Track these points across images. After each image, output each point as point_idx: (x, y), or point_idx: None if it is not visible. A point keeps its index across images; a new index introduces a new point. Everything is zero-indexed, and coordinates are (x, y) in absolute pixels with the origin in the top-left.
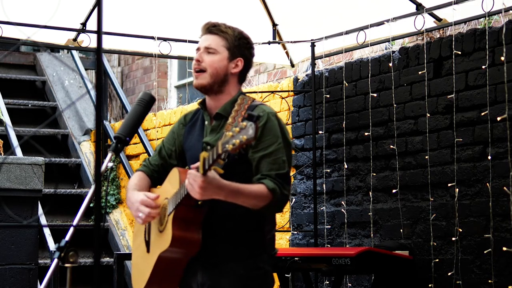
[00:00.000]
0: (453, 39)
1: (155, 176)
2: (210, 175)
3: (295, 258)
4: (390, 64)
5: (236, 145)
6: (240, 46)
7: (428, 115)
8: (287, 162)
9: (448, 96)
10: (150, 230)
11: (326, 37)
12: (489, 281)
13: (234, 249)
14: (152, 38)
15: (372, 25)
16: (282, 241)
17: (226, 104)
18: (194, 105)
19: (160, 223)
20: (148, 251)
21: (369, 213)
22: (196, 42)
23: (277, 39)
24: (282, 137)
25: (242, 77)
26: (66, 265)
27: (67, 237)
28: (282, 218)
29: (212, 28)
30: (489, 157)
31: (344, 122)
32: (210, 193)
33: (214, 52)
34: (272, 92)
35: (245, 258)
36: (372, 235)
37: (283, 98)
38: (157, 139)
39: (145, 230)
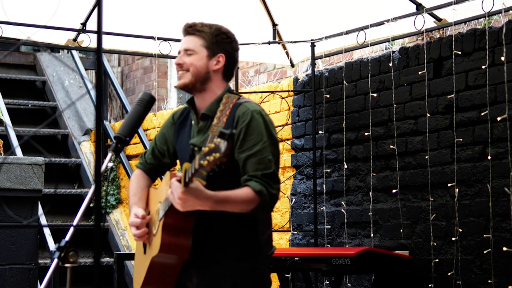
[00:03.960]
0: (453, 39)
1: (152, 173)
2: (192, 186)
3: (295, 258)
4: (390, 64)
5: (210, 161)
6: (219, 42)
7: (428, 115)
8: (274, 160)
9: (448, 96)
10: (148, 229)
11: (326, 37)
12: (489, 281)
13: (228, 250)
14: (152, 38)
15: (372, 25)
16: (282, 241)
17: (212, 103)
18: None
19: (154, 226)
20: (144, 252)
21: (369, 213)
22: None
23: (277, 39)
24: (267, 135)
25: (227, 73)
26: (66, 265)
27: (67, 237)
28: (282, 218)
29: (188, 29)
30: (489, 157)
31: (344, 122)
32: (191, 204)
33: (192, 53)
34: (272, 92)
35: (240, 259)
36: (372, 235)
37: (283, 98)
38: None
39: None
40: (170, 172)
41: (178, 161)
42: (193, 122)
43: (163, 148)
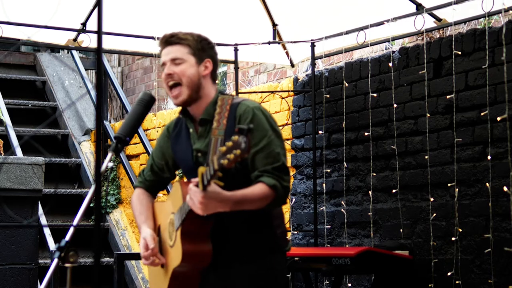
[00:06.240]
0: (453, 39)
1: (153, 190)
2: (210, 189)
3: (295, 258)
4: (390, 64)
5: (231, 159)
6: (203, 48)
7: (428, 115)
8: (282, 153)
9: (448, 96)
10: (161, 244)
11: (326, 37)
12: (489, 281)
13: (245, 249)
14: (152, 38)
15: (372, 25)
16: None
17: (208, 107)
18: None
19: (169, 238)
20: (162, 265)
21: (369, 213)
22: None
23: (277, 39)
24: (271, 129)
25: (213, 76)
26: (66, 265)
27: (67, 237)
28: None
29: (171, 39)
30: (489, 157)
31: (344, 122)
32: (212, 207)
33: (181, 62)
34: (272, 92)
35: (257, 258)
36: (372, 235)
37: (283, 98)
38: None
39: (157, 244)
40: (179, 182)
41: (177, 172)
42: (191, 130)
43: (162, 163)
